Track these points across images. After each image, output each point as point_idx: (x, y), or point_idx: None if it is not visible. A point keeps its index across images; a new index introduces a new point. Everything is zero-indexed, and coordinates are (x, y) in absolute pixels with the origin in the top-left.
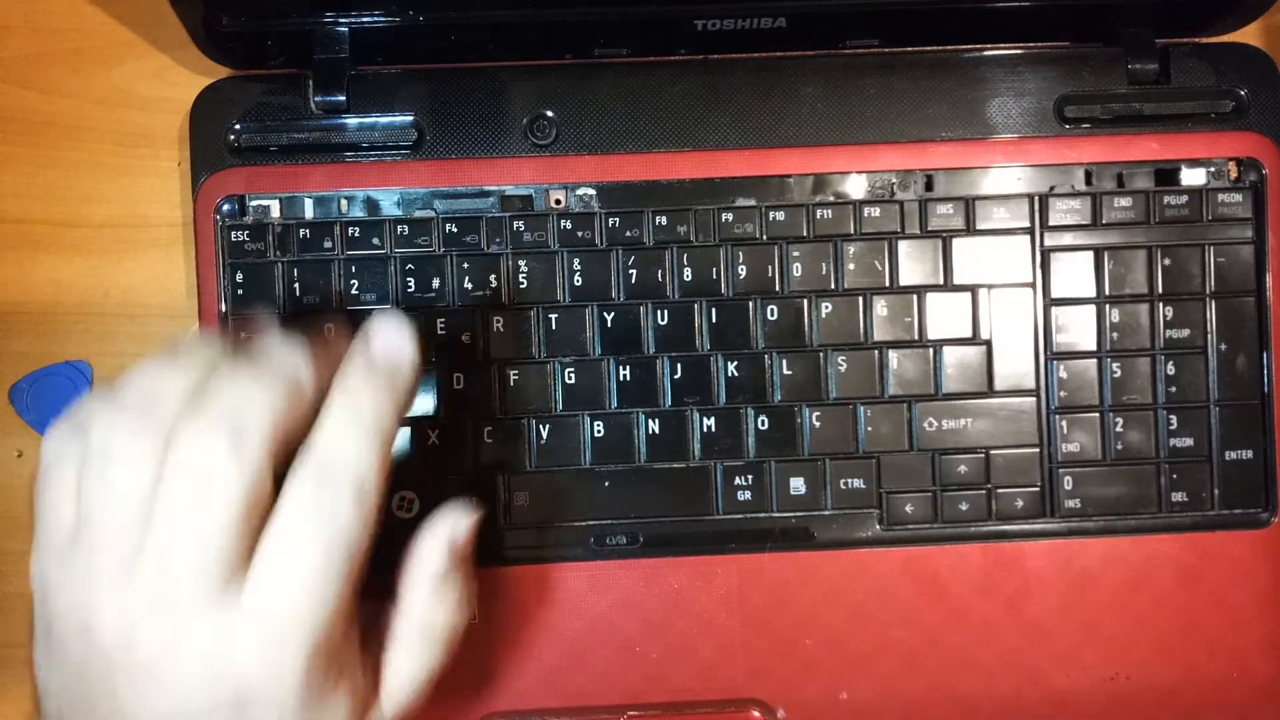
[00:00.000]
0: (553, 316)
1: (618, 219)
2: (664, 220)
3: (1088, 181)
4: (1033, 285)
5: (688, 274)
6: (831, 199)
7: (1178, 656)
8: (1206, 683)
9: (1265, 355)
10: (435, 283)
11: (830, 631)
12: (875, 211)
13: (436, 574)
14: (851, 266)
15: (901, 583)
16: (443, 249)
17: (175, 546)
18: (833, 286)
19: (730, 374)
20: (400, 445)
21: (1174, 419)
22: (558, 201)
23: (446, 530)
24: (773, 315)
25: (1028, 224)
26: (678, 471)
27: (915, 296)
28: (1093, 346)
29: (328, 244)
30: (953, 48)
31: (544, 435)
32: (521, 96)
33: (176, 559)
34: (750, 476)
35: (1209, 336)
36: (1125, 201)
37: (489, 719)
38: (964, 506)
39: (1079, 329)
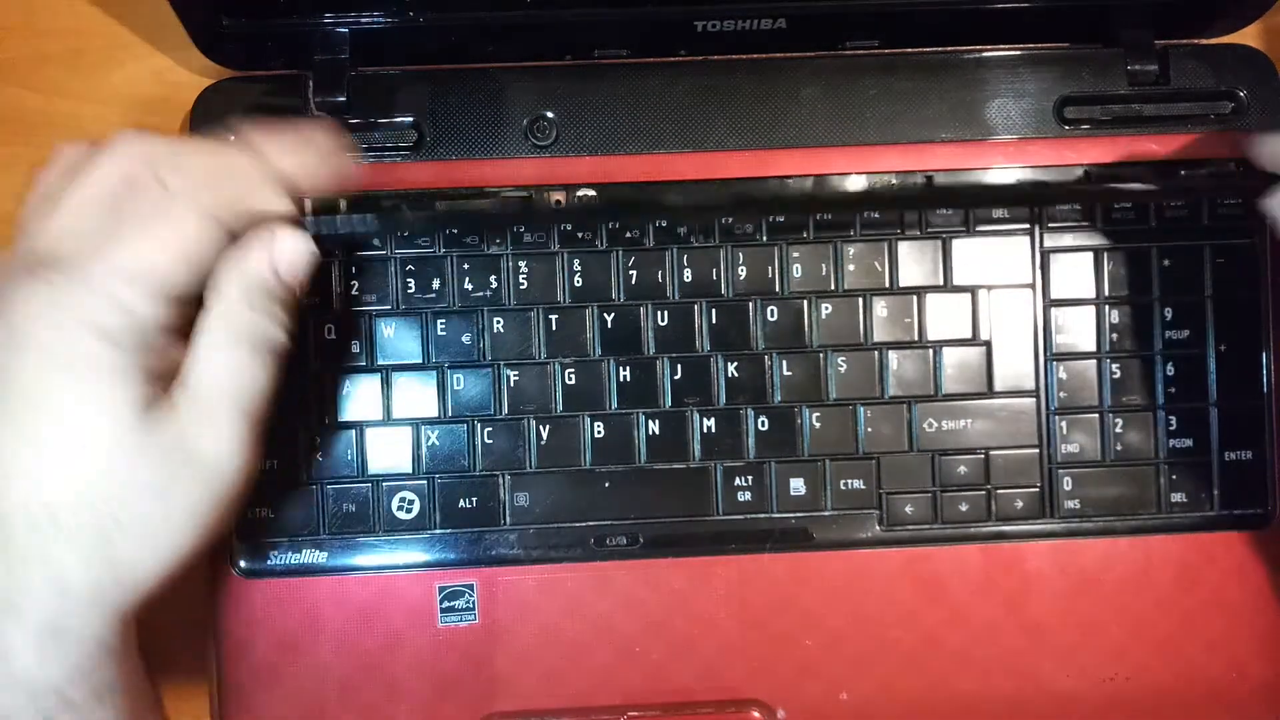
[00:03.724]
0: (553, 317)
1: (618, 220)
2: (664, 221)
3: (1087, 182)
4: (1032, 286)
5: (688, 274)
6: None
7: (1178, 656)
8: (1206, 683)
9: (1265, 355)
10: (435, 284)
11: (830, 632)
12: (875, 212)
13: (251, 275)
14: (851, 267)
15: (901, 583)
16: (443, 250)
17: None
18: (833, 287)
19: (730, 375)
20: (400, 445)
21: (1173, 420)
22: (558, 202)
23: (273, 238)
24: (773, 316)
25: (1027, 225)
26: (678, 472)
27: (915, 297)
28: (1092, 347)
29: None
30: (952, 49)
31: (544, 435)
32: (521, 97)
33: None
34: (750, 477)
35: (1208, 337)
36: (1124, 202)
37: (489, 719)
38: (964, 507)
39: (1079, 330)
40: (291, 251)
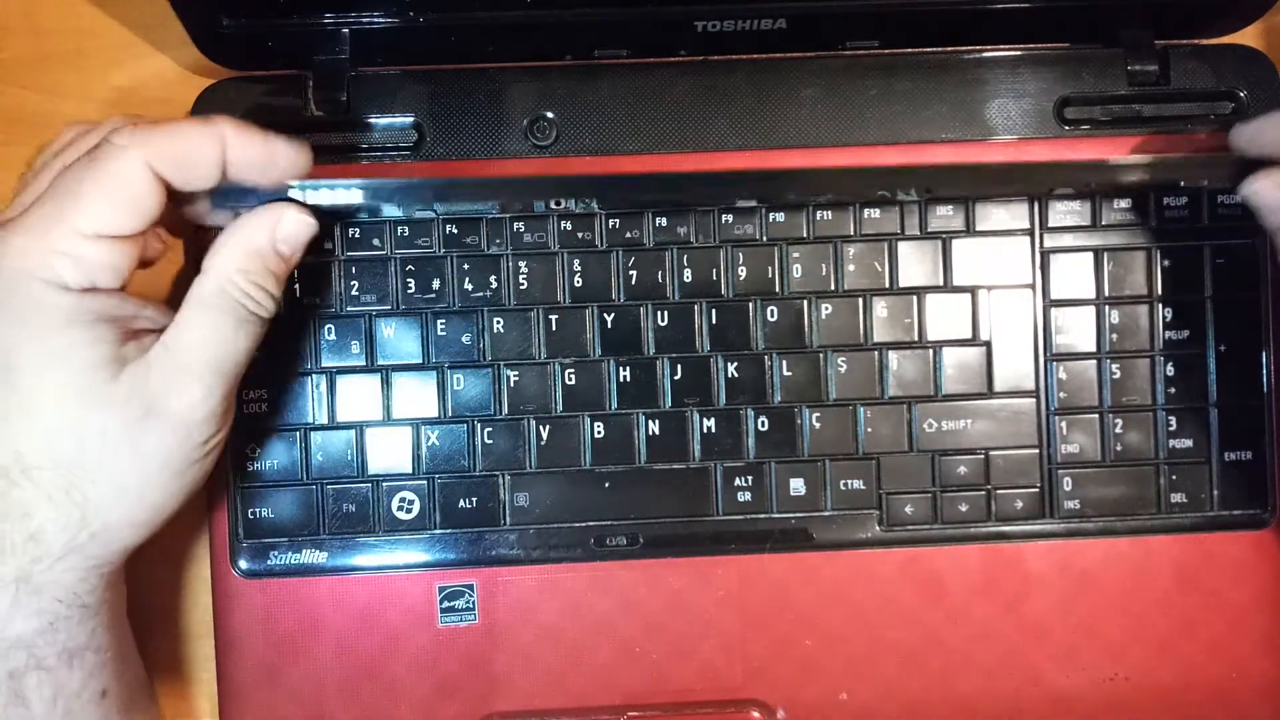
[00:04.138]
0: (553, 317)
1: (618, 220)
2: (664, 221)
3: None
4: (1032, 286)
5: (688, 275)
6: (831, 200)
7: (1177, 656)
8: (1206, 683)
9: (1265, 355)
10: (435, 284)
11: (830, 632)
12: (875, 213)
13: (251, 246)
14: (851, 268)
15: (901, 583)
16: (443, 250)
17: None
18: (833, 287)
19: (730, 375)
20: (400, 445)
21: (1173, 420)
22: (557, 203)
23: (281, 214)
24: (773, 316)
25: (1027, 225)
26: (678, 472)
27: (915, 297)
28: (1092, 348)
29: (328, 245)
30: (953, 49)
31: (544, 436)
32: (521, 97)
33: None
34: (750, 477)
35: (1208, 337)
36: (1124, 203)
37: (489, 719)
38: (964, 507)
39: (1078, 330)
40: (294, 224)
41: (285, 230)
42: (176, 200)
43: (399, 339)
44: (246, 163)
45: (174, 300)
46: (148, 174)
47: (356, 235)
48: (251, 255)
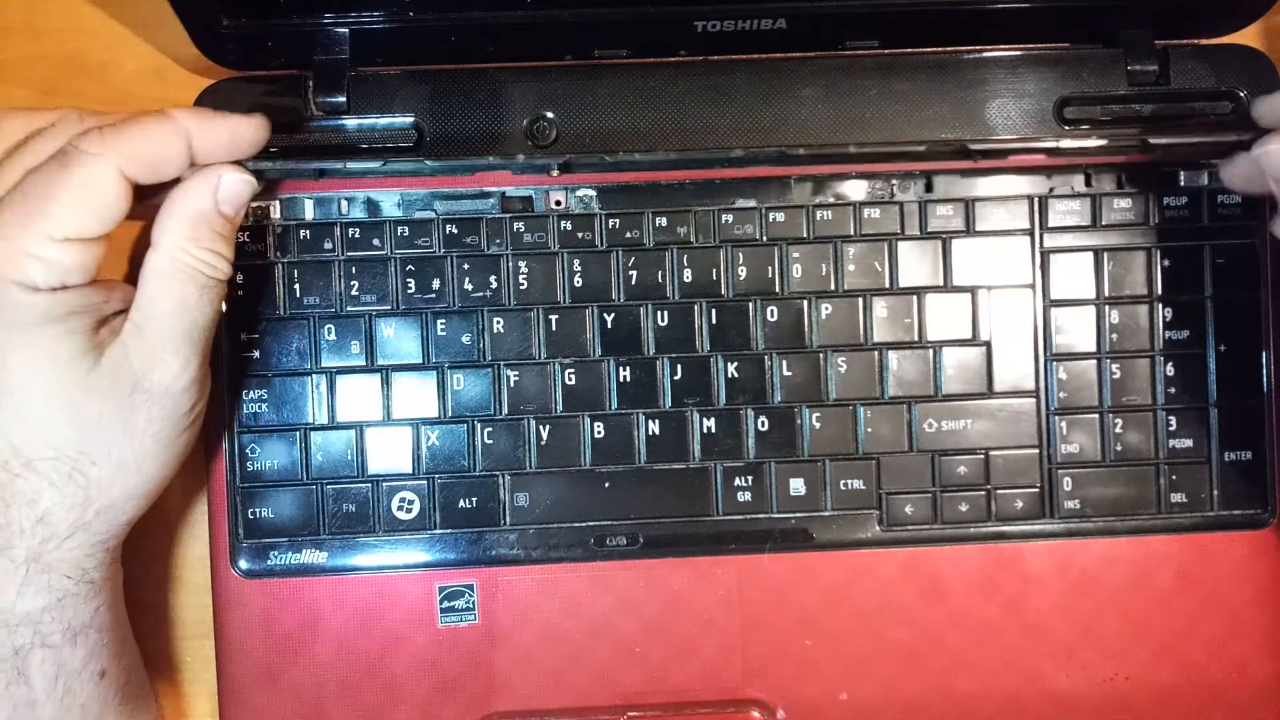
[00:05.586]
0: (553, 317)
1: (618, 220)
2: (664, 221)
3: (1087, 183)
4: (1032, 286)
5: (688, 275)
6: (831, 200)
7: (1177, 656)
8: (1206, 683)
9: (1265, 355)
10: (435, 284)
11: (830, 632)
12: (875, 213)
13: (195, 212)
14: (851, 268)
15: (901, 583)
16: (443, 250)
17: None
18: (833, 287)
19: (730, 375)
20: (400, 445)
21: (1173, 420)
22: (558, 203)
23: (219, 176)
24: (773, 316)
25: (1027, 225)
26: (677, 472)
27: (915, 297)
28: (1092, 348)
29: (328, 245)
30: (953, 49)
31: (544, 436)
32: (521, 98)
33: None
34: (750, 477)
35: (1208, 337)
36: (1124, 203)
37: (489, 719)
38: (964, 507)
39: (1078, 330)
40: (234, 184)
41: (226, 192)
42: (142, 193)
43: (399, 339)
44: (214, 149)
45: (132, 271)
46: (119, 179)
47: (356, 235)
48: (197, 222)
